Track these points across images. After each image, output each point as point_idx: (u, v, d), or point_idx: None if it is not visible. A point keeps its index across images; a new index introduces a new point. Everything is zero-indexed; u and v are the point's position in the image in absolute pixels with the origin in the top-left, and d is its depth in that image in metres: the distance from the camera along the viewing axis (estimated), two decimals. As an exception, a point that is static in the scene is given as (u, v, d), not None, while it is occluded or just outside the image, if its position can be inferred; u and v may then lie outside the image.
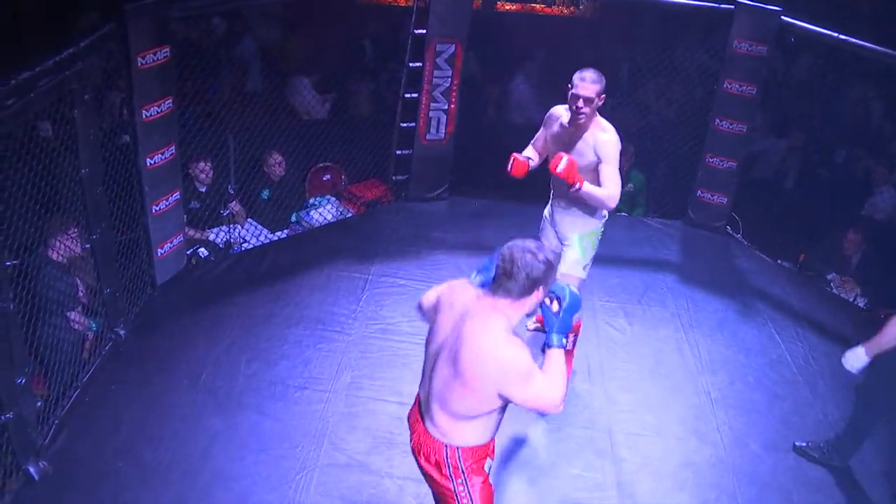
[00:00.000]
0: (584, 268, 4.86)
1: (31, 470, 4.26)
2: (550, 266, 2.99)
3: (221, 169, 6.55)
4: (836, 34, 6.29)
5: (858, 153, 7.99)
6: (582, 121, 4.44)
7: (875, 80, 8.11)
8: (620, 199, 7.45)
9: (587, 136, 4.49)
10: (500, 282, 2.98)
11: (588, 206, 4.68)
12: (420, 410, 3.31)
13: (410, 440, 3.37)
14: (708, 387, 5.37)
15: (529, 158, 4.73)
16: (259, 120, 6.90)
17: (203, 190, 6.43)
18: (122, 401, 4.89)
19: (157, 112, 5.36)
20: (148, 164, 5.42)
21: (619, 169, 4.47)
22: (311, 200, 7.22)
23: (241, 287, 6.05)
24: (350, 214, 7.28)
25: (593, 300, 6.12)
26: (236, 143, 6.65)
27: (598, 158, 4.46)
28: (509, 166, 4.64)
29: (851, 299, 6.55)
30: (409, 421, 3.41)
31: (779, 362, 5.69)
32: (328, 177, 7.44)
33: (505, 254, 2.97)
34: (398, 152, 7.36)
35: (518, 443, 4.74)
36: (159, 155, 5.49)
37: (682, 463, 4.75)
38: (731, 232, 7.32)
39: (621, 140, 4.50)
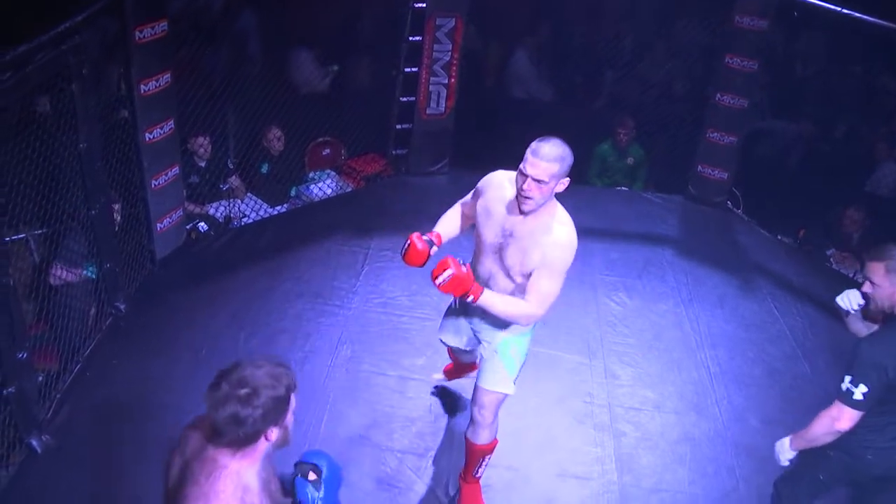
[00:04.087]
0: (514, 381, 3.80)
1: (34, 443, 4.28)
2: (277, 403, 2.31)
3: (220, 143, 6.53)
4: (838, 8, 6.24)
5: (861, 129, 7.95)
6: (528, 209, 3.33)
7: (878, 54, 8.06)
8: (621, 173, 7.58)
9: (538, 229, 3.38)
10: (213, 429, 2.31)
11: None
12: None
13: None
14: (707, 361, 5.38)
15: (431, 244, 3.63)
16: (258, 94, 6.87)
17: (202, 164, 6.42)
18: (123, 375, 4.90)
19: (156, 86, 5.33)
20: (147, 139, 5.40)
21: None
22: (311, 175, 7.21)
23: (240, 261, 6.05)
24: (350, 189, 7.27)
25: (594, 274, 6.14)
26: (235, 118, 6.63)
27: (541, 261, 3.40)
28: (403, 251, 3.60)
29: (851, 275, 6.54)
30: None
31: (778, 337, 5.70)
32: (328, 151, 7.41)
33: (212, 394, 2.30)
34: (398, 126, 7.34)
35: (517, 416, 4.75)
36: (158, 129, 5.46)
37: (681, 437, 4.77)
38: (731, 207, 7.32)
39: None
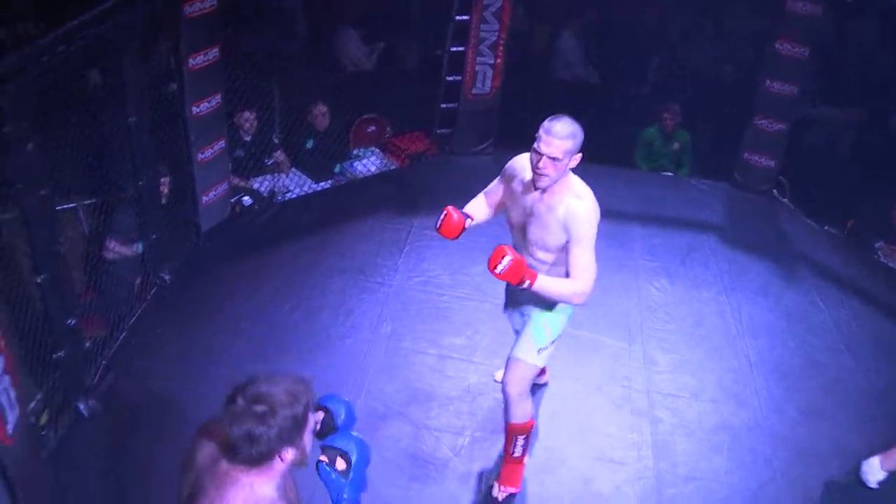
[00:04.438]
0: (540, 352, 3.79)
1: (81, 407, 4.39)
2: (294, 423, 2.19)
3: (266, 118, 6.58)
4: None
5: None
6: (543, 185, 3.44)
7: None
8: (666, 158, 7.51)
9: (557, 205, 3.47)
10: (227, 444, 2.21)
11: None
12: None
13: None
14: (748, 350, 5.34)
15: (468, 217, 3.74)
16: (304, 70, 6.90)
17: (248, 139, 6.48)
18: (166, 344, 4.99)
19: (204, 60, 5.39)
20: (194, 113, 5.46)
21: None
22: (356, 151, 7.24)
23: (284, 236, 6.11)
24: (394, 167, 7.30)
25: (635, 259, 6.12)
26: (281, 93, 6.67)
27: (569, 237, 3.48)
28: (438, 222, 3.69)
29: (899, 268, 6.45)
30: None
31: (821, 328, 5.63)
32: (373, 128, 7.44)
33: (228, 408, 2.17)
34: (443, 106, 7.34)
35: (555, 398, 4.77)
36: (205, 103, 5.53)
37: (718, 425, 4.74)
38: (777, 195, 7.22)
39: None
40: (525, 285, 3.43)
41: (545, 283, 3.48)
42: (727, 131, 7.43)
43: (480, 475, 4.28)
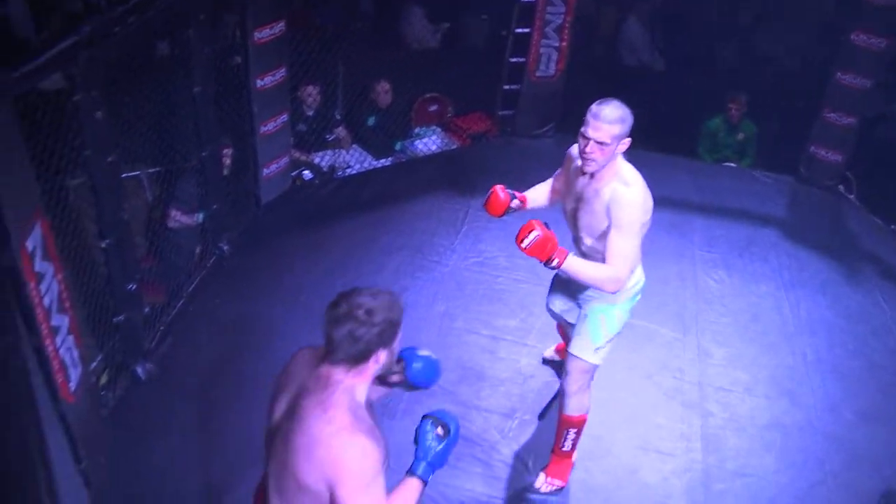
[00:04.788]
0: (597, 350, 3.75)
1: (139, 370, 4.52)
2: (390, 326, 2.41)
3: (329, 94, 6.62)
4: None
5: None
6: (591, 170, 3.36)
7: None
8: (730, 149, 7.39)
9: (604, 189, 3.39)
10: (328, 346, 2.41)
11: None
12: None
13: None
14: (804, 348, 5.25)
15: (515, 196, 3.75)
16: (368, 47, 6.92)
17: (310, 114, 6.53)
18: (223, 313, 5.09)
19: (270, 34, 5.44)
20: (258, 86, 5.52)
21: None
22: (417, 130, 7.27)
23: (343, 211, 6.16)
24: (455, 146, 7.30)
25: (693, 250, 6.05)
26: (345, 69, 6.70)
27: (610, 221, 3.39)
28: (485, 200, 3.77)
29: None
30: None
31: (883, 331, 5.51)
32: (435, 107, 7.44)
33: (331, 312, 2.39)
34: (506, 87, 7.30)
35: (605, 386, 4.74)
36: (269, 77, 5.58)
37: (770, 423, 4.69)
38: (843, 191, 7.05)
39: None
40: (553, 264, 3.37)
41: (575, 265, 3.41)
42: (794, 123, 7.27)
43: (527, 461, 4.30)
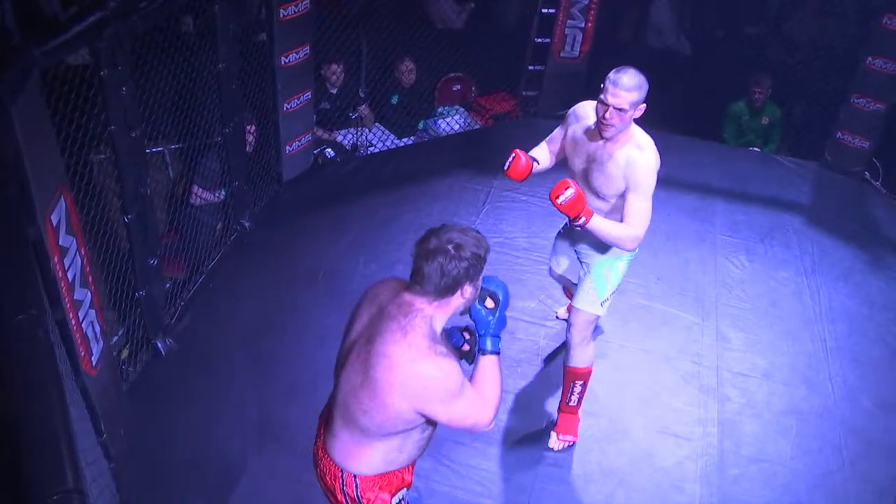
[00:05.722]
0: (603, 304, 3.95)
1: (159, 345, 4.56)
2: (477, 261, 2.54)
3: (353, 72, 6.62)
4: None
5: None
6: (609, 135, 3.53)
7: None
8: (754, 133, 7.33)
9: (619, 153, 3.57)
10: (416, 277, 2.54)
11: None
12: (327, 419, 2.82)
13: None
14: (824, 335, 5.23)
15: (535, 160, 3.85)
16: (393, 25, 6.92)
17: (334, 92, 6.54)
18: (243, 289, 5.13)
19: (295, 11, 5.43)
20: (282, 63, 5.53)
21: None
22: (440, 109, 7.26)
23: (364, 189, 6.18)
24: (477, 126, 7.29)
25: (715, 234, 6.02)
26: (369, 48, 6.70)
27: (627, 185, 3.58)
28: (507, 164, 3.82)
29: None
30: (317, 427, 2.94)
31: (905, 319, 5.47)
32: (458, 87, 7.43)
33: (421, 246, 2.54)
34: (530, 67, 7.28)
35: (623, 369, 4.76)
36: (294, 54, 5.58)
37: (787, 409, 4.68)
38: (869, 178, 6.98)
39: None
40: (580, 221, 3.55)
41: (599, 223, 3.59)
42: (821, 108, 7.21)
43: (543, 438, 4.31)
